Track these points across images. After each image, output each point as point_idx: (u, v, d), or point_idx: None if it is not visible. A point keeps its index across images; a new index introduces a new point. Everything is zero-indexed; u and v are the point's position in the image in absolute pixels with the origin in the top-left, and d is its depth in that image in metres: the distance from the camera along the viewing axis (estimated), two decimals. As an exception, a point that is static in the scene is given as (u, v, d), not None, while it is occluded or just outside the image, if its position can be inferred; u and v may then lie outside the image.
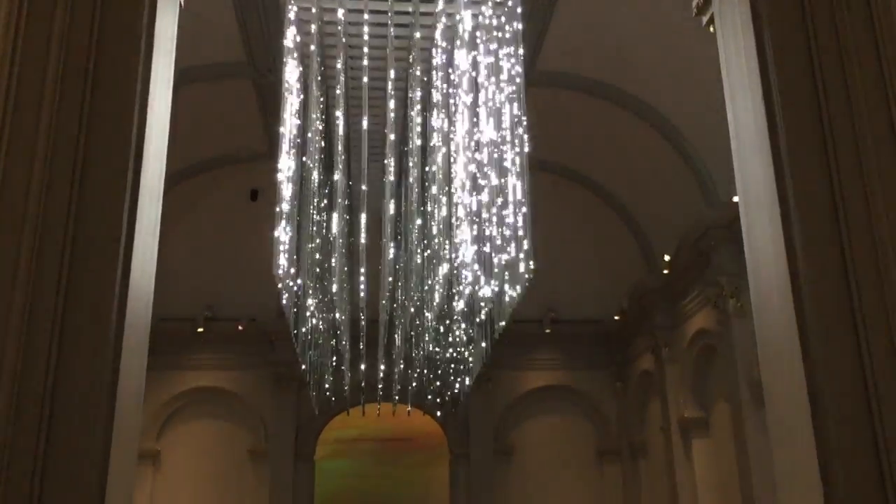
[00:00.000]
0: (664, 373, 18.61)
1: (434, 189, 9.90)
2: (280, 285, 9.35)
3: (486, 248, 8.52)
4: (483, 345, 12.28)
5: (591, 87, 15.87)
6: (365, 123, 9.74)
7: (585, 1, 13.48)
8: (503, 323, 10.11)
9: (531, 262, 7.61)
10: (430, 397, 17.04)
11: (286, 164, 9.30)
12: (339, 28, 9.41)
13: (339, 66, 9.39)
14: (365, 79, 9.72)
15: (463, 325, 11.73)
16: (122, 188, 4.34)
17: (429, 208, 10.59)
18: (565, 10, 13.60)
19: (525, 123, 7.99)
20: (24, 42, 4.21)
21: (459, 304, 9.70)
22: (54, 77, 4.23)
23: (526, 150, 7.75)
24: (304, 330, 12.93)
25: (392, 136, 9.86)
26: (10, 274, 4.05)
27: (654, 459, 19.91)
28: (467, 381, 15.49)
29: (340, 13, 9.34)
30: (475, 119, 8.80)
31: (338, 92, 9.45)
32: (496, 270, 8.45)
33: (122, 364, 4.19)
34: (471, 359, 14.05)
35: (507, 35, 8.59)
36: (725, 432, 15.83)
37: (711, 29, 4.98)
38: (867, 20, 3.96)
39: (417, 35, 9.37)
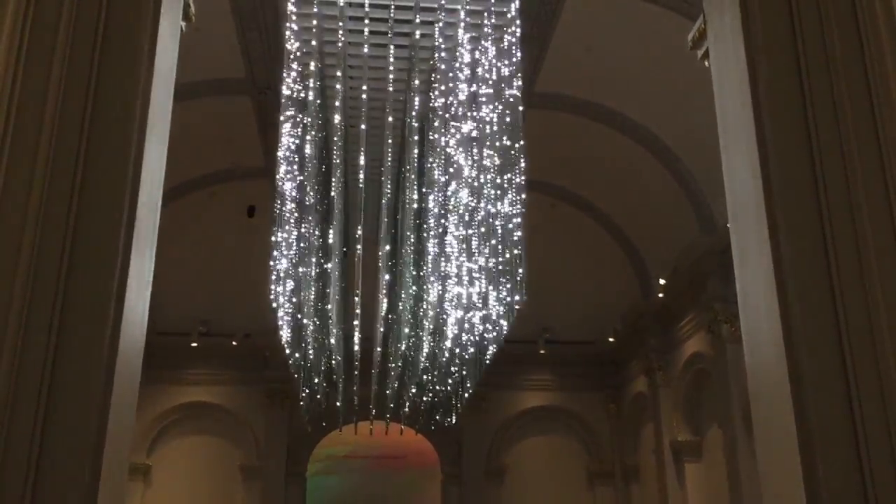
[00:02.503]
0: (658, 396, 18.62)
1: (430, 218, 9.94)
2: (274, 304, 9.39)
3: (480, 276, 8.56)
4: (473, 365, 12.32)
5: (588, 110, 15.98)
6: (363, 141, 9.85)
7: (584, 24, 13.60)
8: (490, 353, 10.15)
9: (524, 293, 7.63)
10: (421, 417, 17.02)
11: (284, 182, 9.36)
12: (339, 45, 9.50)
13: (338, 86, 9.45)
14: (364, 96, 9.83)
15: (457, 351, 11.75)
16: (120, 204, 4.38)
17: (423, 232, 10.64)
18: (564, 33, 13.72)
19: (523, 157, 8.03)
20: (27, 62, 4.27)
21: (450, 331, 9.73)
22: (55, 97, 4.28)
23: (522, 181, 7.79)
24: (299, 347, 12.94)
25: (389, 160, 9.93)
26: (7, 286, 4.07)
27: (647, 482, 19.88)
28: (458, 405, 15.48)
29: (340, 37, 9.43)
30: (472, 146, 8.87)
31: (336, 124, 9.51)
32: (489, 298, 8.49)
33: (115, 380, 4.21)
34: (462, 374, 14.06)
35: (506, 62, 8.66)
36: (718, 457, 15.82)
37: (706, 63, 5.05)
38: (860, 64, 4.04)
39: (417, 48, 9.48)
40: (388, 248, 10.98)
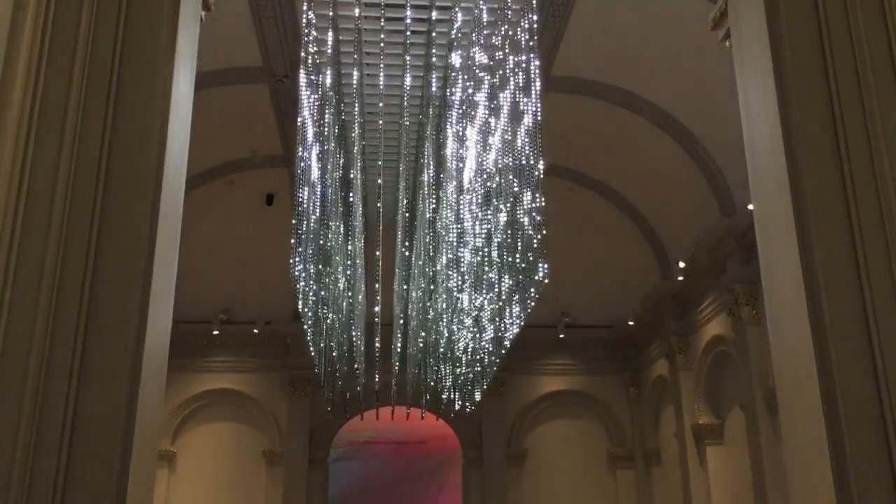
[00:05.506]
0: (678, 379, 18.57)
1: (447, 199, 9.93)
2: (296, 288, 9.43)
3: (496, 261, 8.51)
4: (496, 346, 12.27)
5: (606, 93, 15.86)
6: (381, 122, 9.85)
7: (602, 6, 13.49)
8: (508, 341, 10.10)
9: (545, 274, 7.57)
10: (444, 398, 17.04)
11: (303, 169, 9.37)
12: (356, 24, 9.50)
13: (354, 73, 9.44)
14: (381, 78, 9.82)
15: (477, 336, 11.74)
16: (145, 196, 4.41)
17: (441, 216, 10.62)
18: (581, 16, 13.62)
19: (540, 140, 7.95)
20: (49, 56, 4.30)
21: (467, 321, 9.71)
22: (78, 89, 4.31)
23: (541, 165, 7.70)
24: (320, 329, 12.97)
25: (404, 146, 9.90)
26: (36, 276, 4.12)
27: (668, 466, 19.87)
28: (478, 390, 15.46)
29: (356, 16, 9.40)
30: (490, 127, 8.81)
31: (355, 111, 9.50)
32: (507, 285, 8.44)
33: (142, 371, 4.25)
34: (484, 361, 14.05)
35: (523, 42, 8.58)
36: (740, 440, 15.78)
37: (727, 44, 4.99)
38: (884, 40, 3.99)
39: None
40: (404, 236, 10.99)
